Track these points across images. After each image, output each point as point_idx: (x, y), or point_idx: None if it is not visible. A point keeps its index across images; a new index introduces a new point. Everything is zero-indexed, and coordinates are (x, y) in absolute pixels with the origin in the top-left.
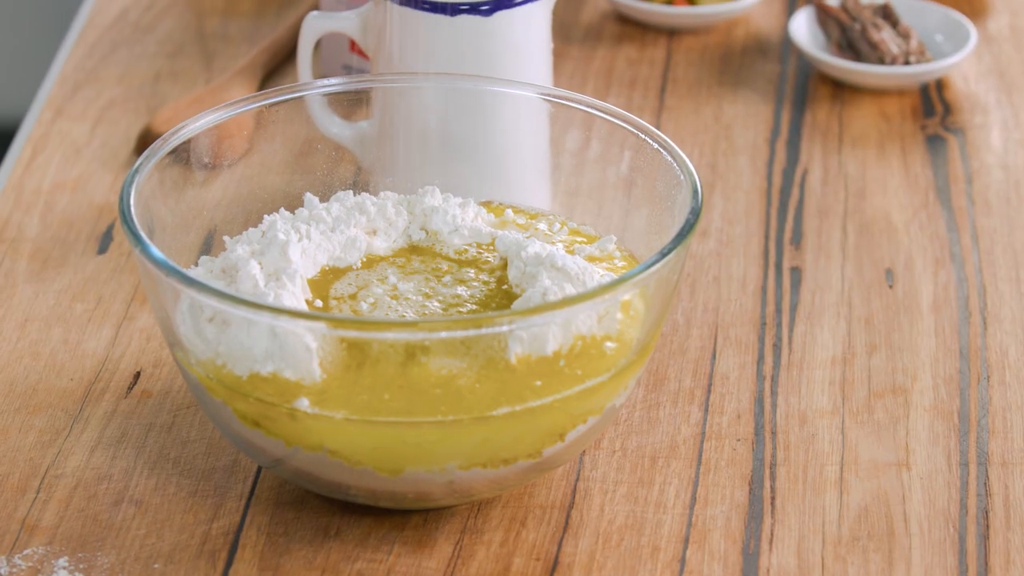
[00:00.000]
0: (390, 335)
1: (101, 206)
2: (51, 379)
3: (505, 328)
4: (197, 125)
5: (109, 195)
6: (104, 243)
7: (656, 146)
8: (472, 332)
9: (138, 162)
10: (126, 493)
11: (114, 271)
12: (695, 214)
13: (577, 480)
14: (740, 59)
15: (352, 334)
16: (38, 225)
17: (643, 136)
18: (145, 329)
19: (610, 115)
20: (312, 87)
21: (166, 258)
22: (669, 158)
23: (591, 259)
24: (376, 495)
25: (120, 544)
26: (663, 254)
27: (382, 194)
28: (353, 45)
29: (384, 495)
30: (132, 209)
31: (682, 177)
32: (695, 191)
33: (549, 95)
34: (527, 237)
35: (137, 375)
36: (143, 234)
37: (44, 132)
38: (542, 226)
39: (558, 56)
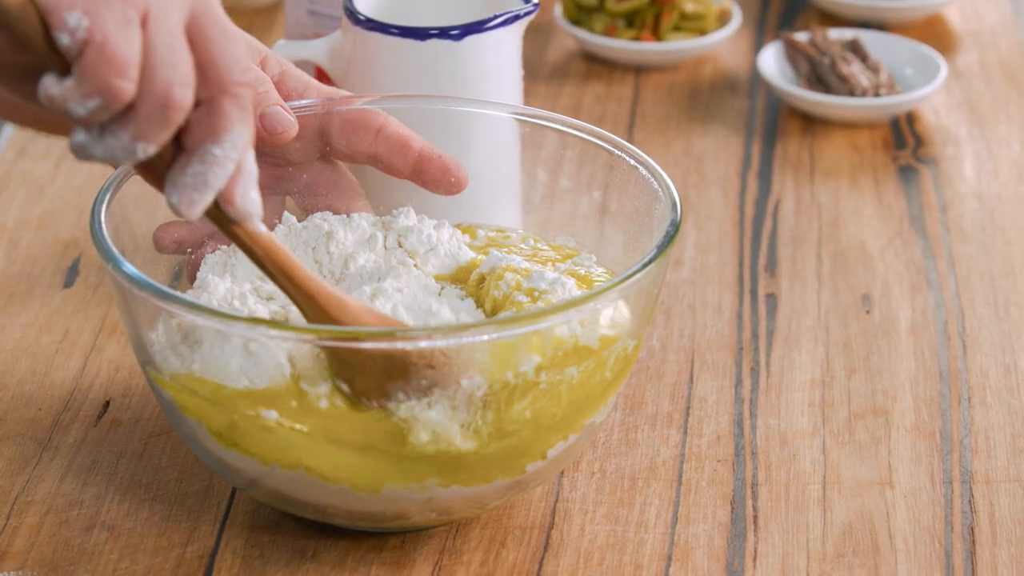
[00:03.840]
0: (367, 345)
1: (66, 241)
2: (19, 409)
3: (484, 338)
4: None
5: (74, 231)
6: (70, 277)
7: (632, 162)
8: (453, 341)
9: (109, 181)
10: (98, 518)
11: (81, 304)
12: (674, 226)
13: (556, 501)
14: (709, 94)
15: (328, 343)
16: (2, 260)
17: (619, 152)
18: (114, 360)
19: (585, 133)
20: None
21: (140, 273)
22: (646, 173)
23: (570, 274)
24: (354, 515)
25: (93, 568)
26: (645, 264)
27: (355, 215)
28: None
29: (362, 515)
30: (104, 226)
31: (659, 190)
32: (674, 202)
33: (521, 114)
34: (506, 252)
35: (106, 404)
36: (115, 249)
37: (7, 171)
38: (522, 244)
39: (525, 94)
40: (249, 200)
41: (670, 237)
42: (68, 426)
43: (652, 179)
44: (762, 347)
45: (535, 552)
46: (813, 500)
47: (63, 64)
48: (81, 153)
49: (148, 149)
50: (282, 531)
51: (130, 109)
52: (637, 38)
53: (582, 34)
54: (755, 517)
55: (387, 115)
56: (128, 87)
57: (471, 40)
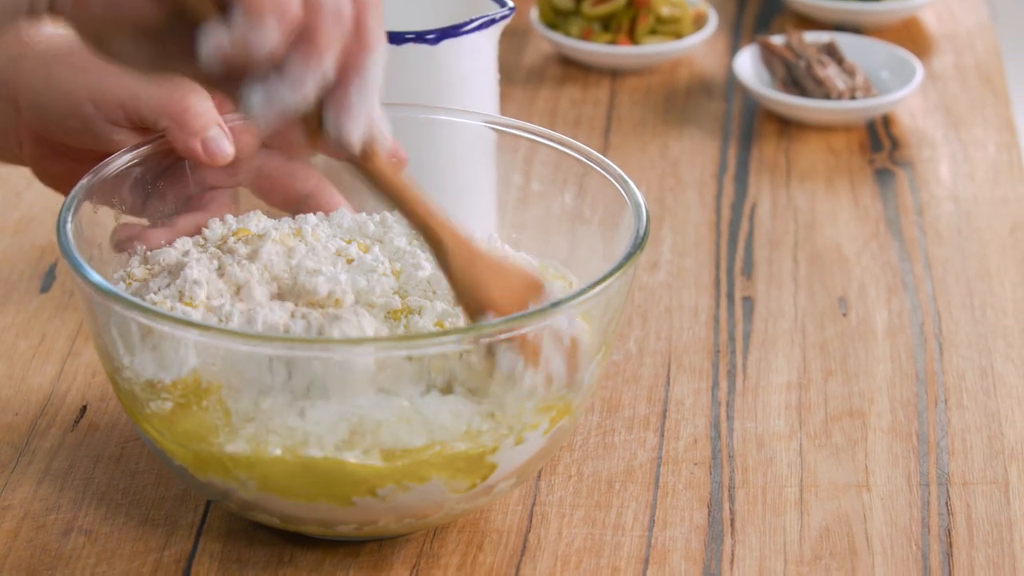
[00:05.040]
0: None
1: (43, 247)
2: None
3: (456, 347)
4: (129, 156)
5: (51, 236)
6: (47, 282)
7: (601, 171)
8: (418, 350)
9: (75, 191)
10: (75, 523)
11: (58, 309)
12: (641, 236)
13: (534, 504)
14: (685, 98)
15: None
16: None
17: (589, 163)
18: (90, 365)
19: (556, 143)
20: None
21: (101, 279)
22: (614, 182)
23: None
24: (327, 523)
25: (70, 573)
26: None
27: (334, 213)
28: None
29: (335, 523)
30: (70, 235)
31: (627, 200)
32: (639, 210)
33: (495, 123)
34: None
35: (83, 409)
36: (80, 257)
37: None
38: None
39: (501, 98)
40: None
41: (639, 241)
42: (45, 431)
43: (620, 188)
44: (739, 350)
45: (512, 555)
46: (790, 503)
47: (212, 7)
48: (262, 112)
49: (326, 73)
50: (259, 536)
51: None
52: (613, 41)
53: (558, 38)
54: (732, 520)
55: None
56: None
57: (447, 44)
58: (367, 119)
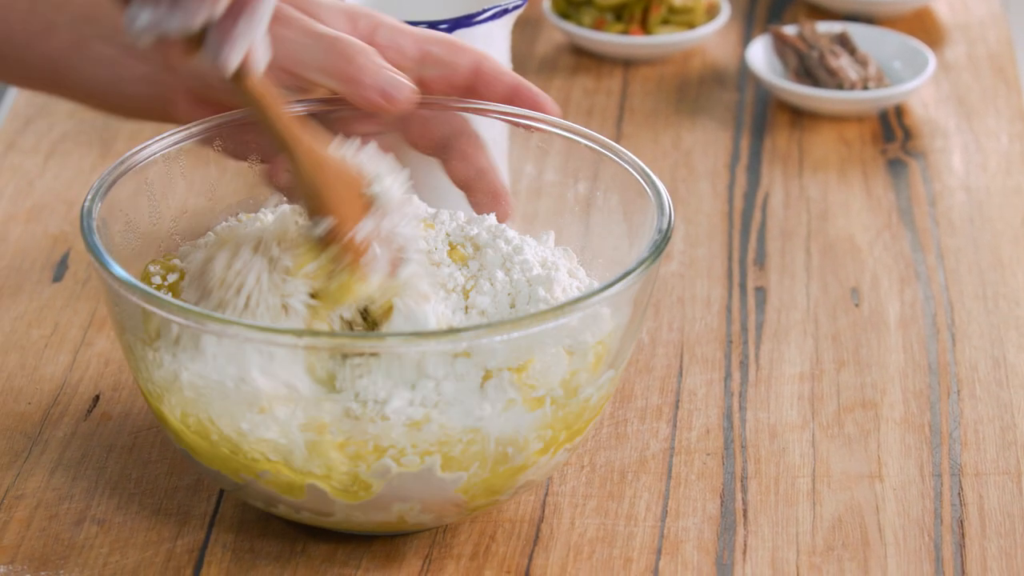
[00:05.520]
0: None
1: (55, 236)
2: (8, 403)
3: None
4: (156, 147)
5: (63, 225)
6: (59, 271)
7: (622, 163)
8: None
9: (98, 182)
10: (88, 512)
11: (70, 298)
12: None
13: (546, 495)
14: (697, 88)
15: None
16: None
17: (606, 152)
18: (103, 354)
19: (573, 133)
20: None
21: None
22: (634, 173)
23: None
24: (351, 523)
25: (83, 563)
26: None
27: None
28: None
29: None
30: (95, 230)
31: (649, 192)
32: (662, 204)
33: (509, 115)
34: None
35: (96, 398)
36: (105, 252)
37: None
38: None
39: None
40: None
41: (664, 234)
42: (58, 420)
43: (639, 178)
44: (751, 340)
45: (525, 545)
46: (802, 493)
47: None
48: (143, 30)
49: (216, 11)
50: (272, 525)
51: None
52: (625, 32)
53: (570, 28)
54: (744, 511)
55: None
56: None
57: (460, 34)
58: (246, 46)
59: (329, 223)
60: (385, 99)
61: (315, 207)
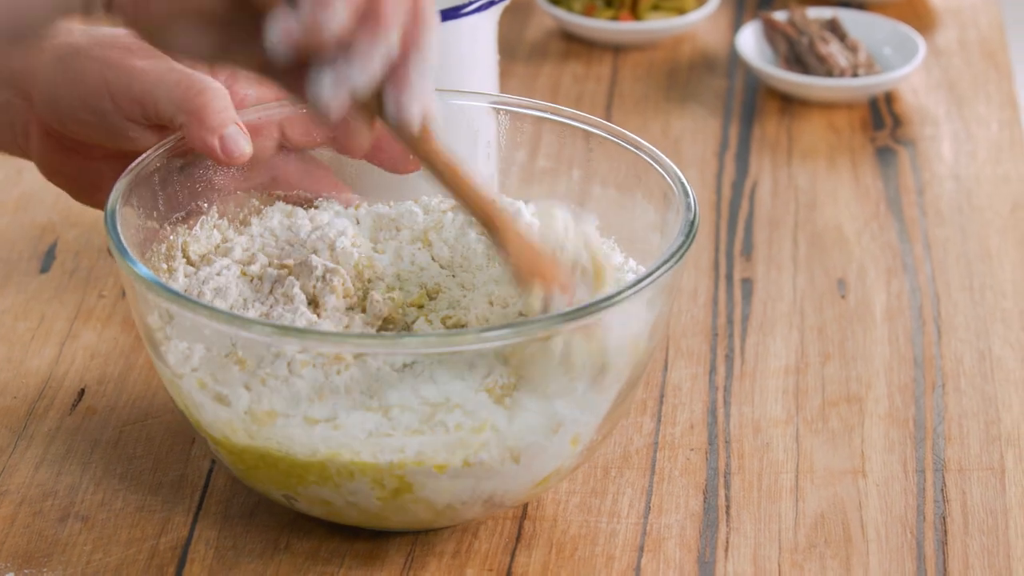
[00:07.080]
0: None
1: (43, 225)
2: None
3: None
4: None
5: (51, 214)
6: (47, 262)
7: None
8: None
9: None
10: (72, 509)
11: (57, 290)
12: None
13: None
14: (687, 74)
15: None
16: None
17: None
18: (89, 347)
19: (565, 117)
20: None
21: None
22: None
23: None
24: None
25: (67, 560)
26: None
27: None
28: None
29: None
30: (120, 228)
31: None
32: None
33: (499, 103)
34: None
35: (81, 392)
36: (130, 251)
37: None
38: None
39: (503, 74)
40: None
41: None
42: (43, 414)
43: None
44: (737, 333)
45: (507, 542)
46: (786, 490)
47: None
48: (333, 97)
49: (391, 50)
50: (255, 522)
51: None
52: (616, 17)
53: (561, 13)
54: (727, 507)
55: None
56: None
57: (446, 26)
58: (425, 97)
59: (545, 298)
60: (223, 152)
61: (526, 281)
